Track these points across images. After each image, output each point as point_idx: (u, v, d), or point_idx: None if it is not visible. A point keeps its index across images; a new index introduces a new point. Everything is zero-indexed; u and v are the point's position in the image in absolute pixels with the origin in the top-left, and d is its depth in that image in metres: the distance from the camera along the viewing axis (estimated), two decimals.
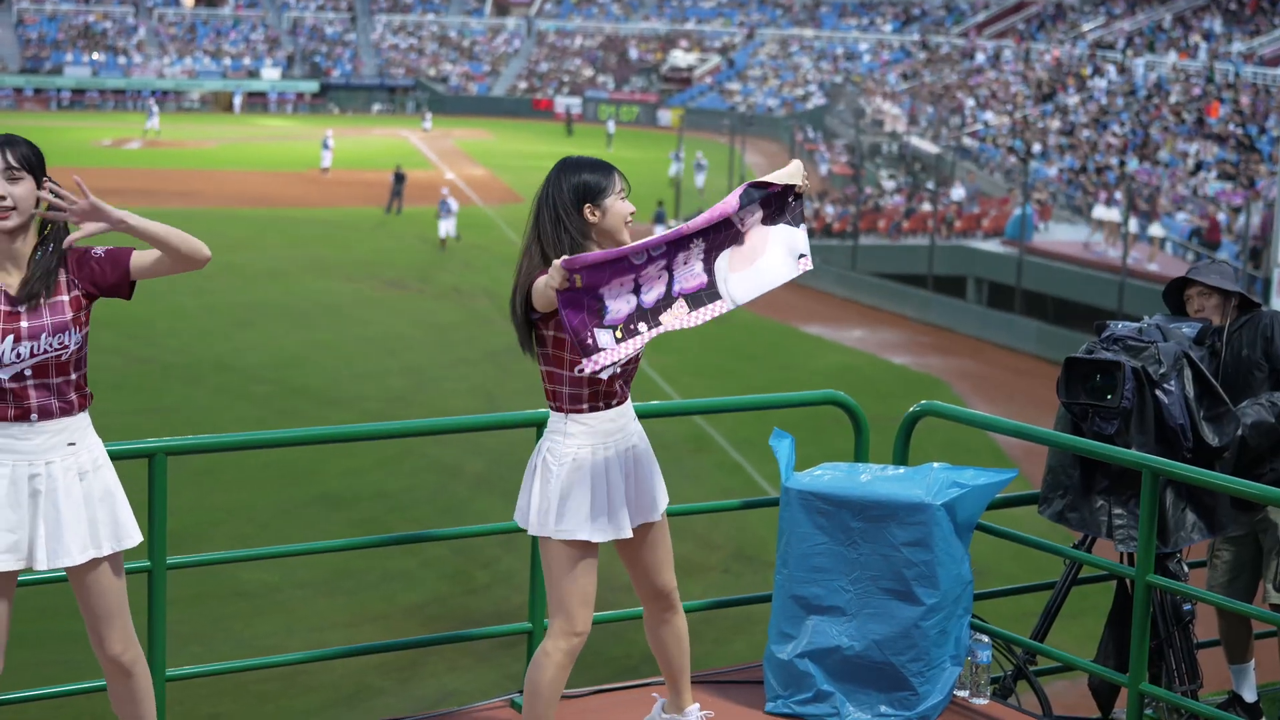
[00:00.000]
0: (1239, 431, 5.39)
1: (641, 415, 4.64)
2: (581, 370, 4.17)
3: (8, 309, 3.94)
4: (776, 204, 4.32)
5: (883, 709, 5.09)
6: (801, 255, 4.33)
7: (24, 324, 3.93)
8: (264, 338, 25.43)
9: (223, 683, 11.22)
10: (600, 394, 4.38)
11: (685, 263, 4.18)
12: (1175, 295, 5.83)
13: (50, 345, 3.95)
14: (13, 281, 3.98)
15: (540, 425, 5.15)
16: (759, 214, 4.29)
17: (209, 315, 27.13)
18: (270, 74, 79.47)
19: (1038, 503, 5.57)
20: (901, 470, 5.28)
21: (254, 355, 24.20)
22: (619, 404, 4.43)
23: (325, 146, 50.29)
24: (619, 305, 4.08)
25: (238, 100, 76.68)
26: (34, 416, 3.97)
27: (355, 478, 17.71)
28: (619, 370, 4.36)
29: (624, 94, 77.91)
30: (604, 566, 4.52)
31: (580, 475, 4.35)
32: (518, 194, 47.59)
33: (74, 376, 4.03)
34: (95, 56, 77.66)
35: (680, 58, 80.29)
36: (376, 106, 79.08)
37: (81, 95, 74.51)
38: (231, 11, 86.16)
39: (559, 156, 4.53)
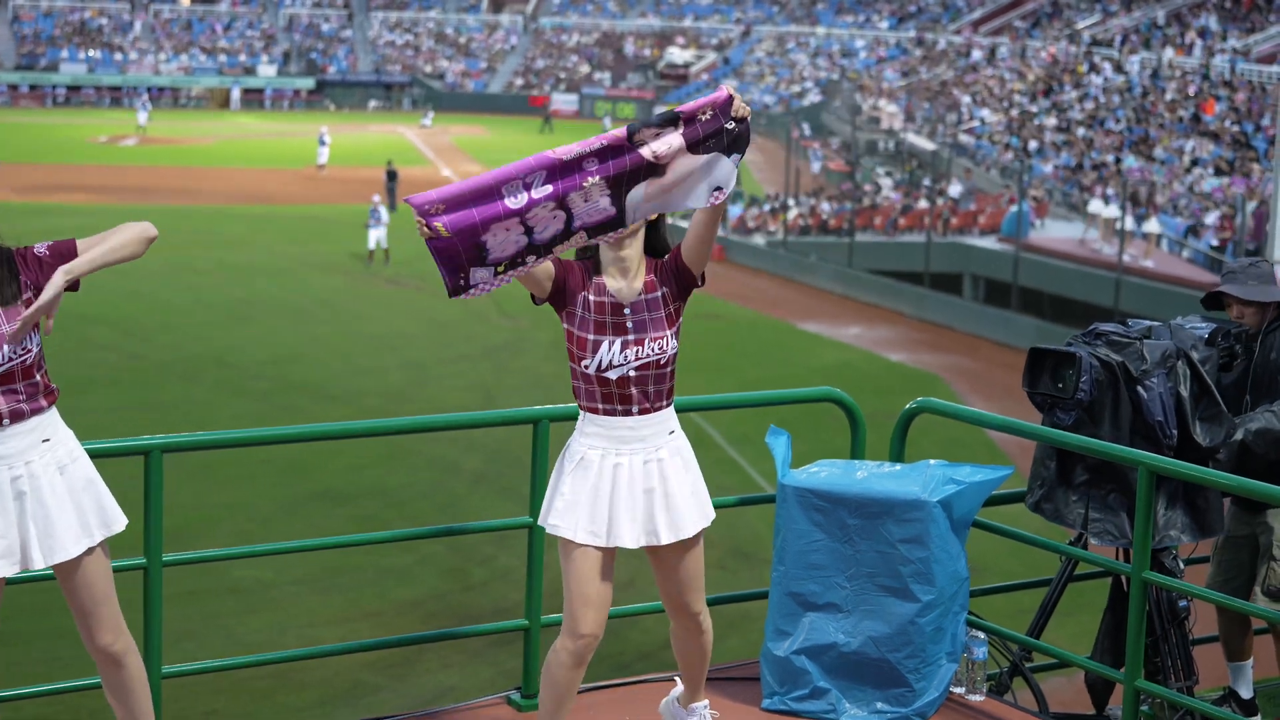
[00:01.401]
0: (1240, 436, 5.36)
1: None
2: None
3: None
4: (710, 134, 4.04)
5: (879, 705, 5.09)
6: (718, 189, 4.09)
7: None
8: (262, 333, 25.39)
9: (217, 680, 11.20)
10: (615, 397, 4.30)
11: (585, 200, 4.02)
12: (1214, 296, 5.82)
13: (14, 353, 3.89)
14: None
15: (537, 422, 5.18)
16: (679, 143, 4.03)
17: (206, 311, 27.10)
18: (266, 70, 79.40)
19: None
20: (898, 467, 5.28)
21: (252, 351, 24.16)
22: (641, 413, 4.32)
23: (321, 143, 50.25)
24: (505, 246, 4.01)
25: (235, 96, 76.62)
26: (5, 421, 3.92)
27: (353, 474, 17.69)
28: (631, 374, 4.28)
29: (620, 90, 77.87)
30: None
31: (584, 475, 4.31)
32: None
33: (38, 378, 3.99)
34: (91, 53, 77.55)
35: (677, 54, 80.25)
36: (373, 103, 79.01)
37: (77, 92, 74.43)
38: (228, 8, 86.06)
39: None
